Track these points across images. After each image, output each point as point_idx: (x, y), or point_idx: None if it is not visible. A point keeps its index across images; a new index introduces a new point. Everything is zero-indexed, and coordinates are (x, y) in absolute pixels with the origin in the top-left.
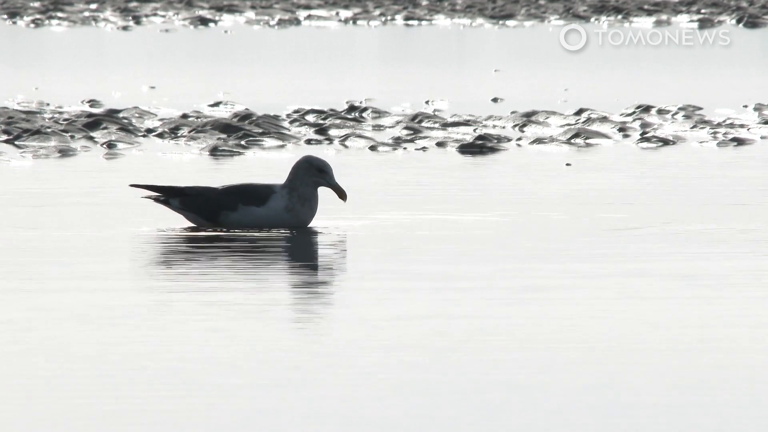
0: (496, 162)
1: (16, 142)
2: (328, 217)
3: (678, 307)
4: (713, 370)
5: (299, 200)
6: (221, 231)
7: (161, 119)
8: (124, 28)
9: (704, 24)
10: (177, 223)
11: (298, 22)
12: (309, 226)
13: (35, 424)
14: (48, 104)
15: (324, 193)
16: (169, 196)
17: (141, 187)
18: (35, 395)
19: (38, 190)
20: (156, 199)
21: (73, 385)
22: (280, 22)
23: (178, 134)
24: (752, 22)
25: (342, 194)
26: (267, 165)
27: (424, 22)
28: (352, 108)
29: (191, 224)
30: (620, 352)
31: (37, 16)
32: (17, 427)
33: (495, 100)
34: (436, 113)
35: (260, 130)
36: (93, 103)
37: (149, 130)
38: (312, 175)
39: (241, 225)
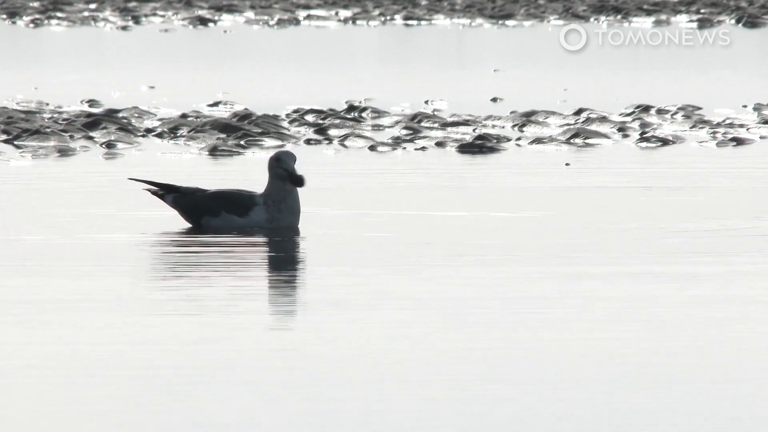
0: (495, 162)
1: (16, 142)
2: (328, 217)
3: (682, 309)
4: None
5: (275, 206)
6: (207, 237)
7: (160, 119)
8: (124, 28)
9: (704, 24)
10: (168, 226)
11: (297, 22)
12: (300, 225)
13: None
14: (47, 104)
15: (328, 193)
16: (166, 192)
17: (141, 181)
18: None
19: (36, 190)
20: (155, 193)
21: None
22: (280, 22)
23: (178, 134)
24: (752, 22)
25: (294, 178)
26: (266, 165)
27: (423, 22)
28: (351, 108)
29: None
30: (628, 354)
31: (37, 16)
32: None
33: (494, 100)
34: (436, 113)
35: (260, 130)
36: (92, 103)
37: (148, 130)
38: (273, 168)
39: (223, 232)
